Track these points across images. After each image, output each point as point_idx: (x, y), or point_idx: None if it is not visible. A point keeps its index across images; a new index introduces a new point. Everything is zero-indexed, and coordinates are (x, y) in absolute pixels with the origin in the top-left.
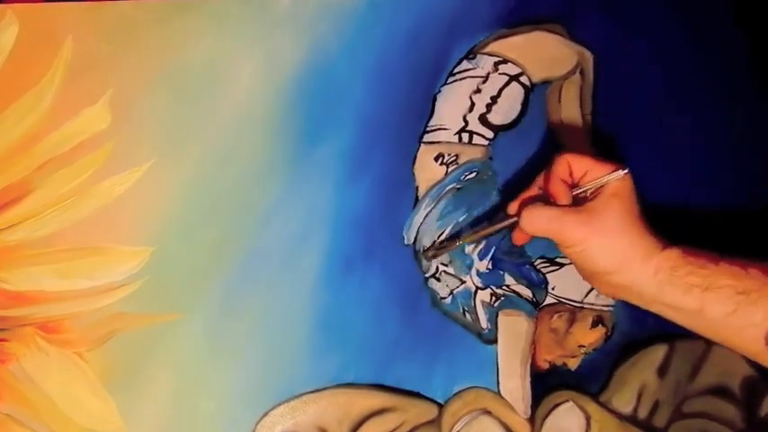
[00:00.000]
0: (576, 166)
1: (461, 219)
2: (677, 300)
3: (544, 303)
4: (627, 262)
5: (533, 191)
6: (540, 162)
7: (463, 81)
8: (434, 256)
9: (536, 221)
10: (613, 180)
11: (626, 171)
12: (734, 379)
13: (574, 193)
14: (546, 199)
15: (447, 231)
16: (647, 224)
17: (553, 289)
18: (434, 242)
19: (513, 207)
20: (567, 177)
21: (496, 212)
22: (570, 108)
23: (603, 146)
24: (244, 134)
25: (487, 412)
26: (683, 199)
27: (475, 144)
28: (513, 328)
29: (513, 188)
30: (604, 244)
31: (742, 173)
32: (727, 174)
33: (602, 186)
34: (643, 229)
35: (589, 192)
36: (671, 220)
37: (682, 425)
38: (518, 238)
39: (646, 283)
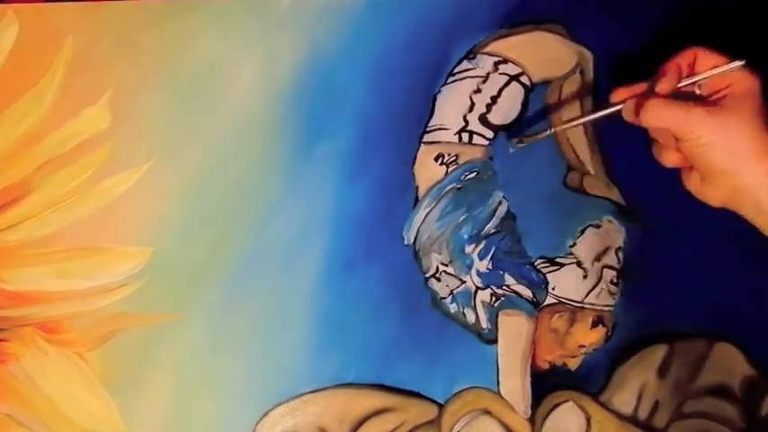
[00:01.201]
0: (703, 59)
1: (461, 219)
2: None
3: (544, 303)
4: (749, 161)
5: (639, 87)
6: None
7: (463, 81)
8: (521, 142)
9: (661, 112)
10: (730, 71)
11: (743, 62)
12: (734, 379)
13: (689, 82)
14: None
15: (449, 230)
16: None
17: (553, 289)
18: (522, 131)
19: (620, 93)
20: (685, 68)
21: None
22: (570, 108)
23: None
24: (244, 134)
25: (487, 412)
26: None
27: (475, 144)
28: (513, 328)
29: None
30: (729, 140)
31: None
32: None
33: (726, 85)
34: (766, 130)
35: (703, 84)
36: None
37: (682, 425)
38: (632, 117)
39: (765, 184)
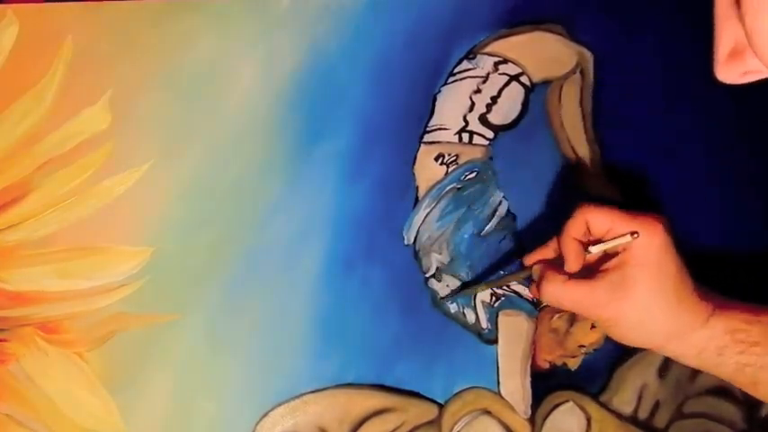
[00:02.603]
0: (596, 224)
1: (461, 219)
2: (727, 376)
3: (544, 303)
4: (662, 342)
5: (550, 249)
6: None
7: (463, 81)
8: (448, 299)
9: (558, 298)
10: (626, 244)
11: (636, 236)
12: None
13: (589, 256)
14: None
15: (450, 230)
16: (689, 285)
17: None
18: (451, 291)
19: (530, 259)
20: (581, 234)
21: (510, 258)
22: (570, 108)
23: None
24: (244, 134)
25: (487, 412)
26: (683, 200)
27: (475, 144)
28: (514, 328)
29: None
30: (636, 323)
31: (743, 172)
32: (727, 173)
33: (624, 250)
34: (681, 302)
35: (600, 250)
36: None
37: (682, 425)
38: (535, 294)
39: (690, 360)
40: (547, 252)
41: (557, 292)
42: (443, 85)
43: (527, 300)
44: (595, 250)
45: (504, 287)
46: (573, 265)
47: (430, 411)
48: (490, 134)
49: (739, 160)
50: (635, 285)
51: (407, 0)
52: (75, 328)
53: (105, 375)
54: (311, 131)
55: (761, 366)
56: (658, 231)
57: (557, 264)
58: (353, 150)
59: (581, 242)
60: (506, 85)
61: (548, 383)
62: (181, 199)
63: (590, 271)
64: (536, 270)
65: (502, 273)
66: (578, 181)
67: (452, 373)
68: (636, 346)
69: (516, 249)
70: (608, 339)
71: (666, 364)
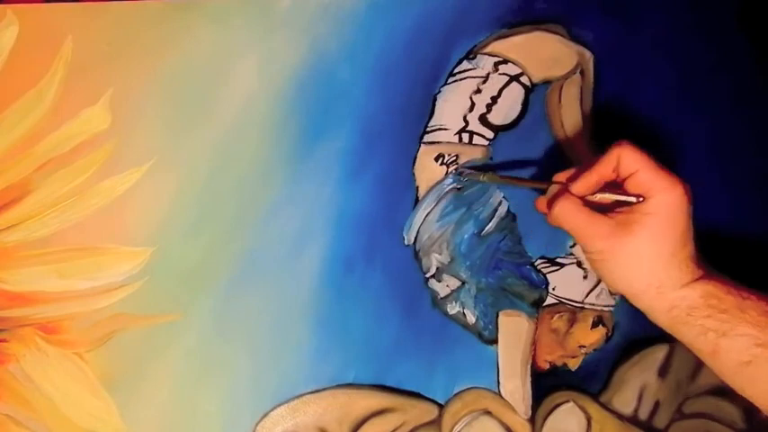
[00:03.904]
0: (626, 161)
1: (461, 219)
2: (689, 339)
3: (545, 304)
4: (642, 289)
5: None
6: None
7: (463, 81)
8: (460, 173)
9: (565, 216)
10: (627, 202)
11: (640, 200)
12: None
13: (592, 199)
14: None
15: (450, 230)
16: (689, 248)
17: (554, 289)
18: (465, 165)
19: (561, 176)
20: (609, 171)
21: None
22: (570, 108)
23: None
24: (244, 134)
25: (488, 413)
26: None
27: (475, 144)
28: (514, 329)
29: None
30: (624, 264)
31: (743, 172)
32: (727, 173)
33: (649, 189)
34: (674, 257)
35: (601, 200)
36: None
37: (682, 425)
38: (540, 208)
39: (659, 315)
40: (572, 174)
41: (566, 210)
42: (443, 86)
43: (527, 300)
44: (599, 197)
45: (505, 287)
46: (581, 185)
47: (430, 411)
48: (490, 134)
49: (740, 160)
50: (638, 230)
51: (407, 0)
52: (76, 328)
53: (105, 375)
54: (311, 131)
55: (723, 333)
56: (677, 191)
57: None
58: (353, 150)
59: (603, 179)
60: (506, 85)
61: (548, 384)
62: (181, 199)
63: (602, 211)
64: (553, 187)
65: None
66: None
67: (452, 374)
68: (614, 287)
69: (516, 249)
70: (608, 340)
71: (666, 365)
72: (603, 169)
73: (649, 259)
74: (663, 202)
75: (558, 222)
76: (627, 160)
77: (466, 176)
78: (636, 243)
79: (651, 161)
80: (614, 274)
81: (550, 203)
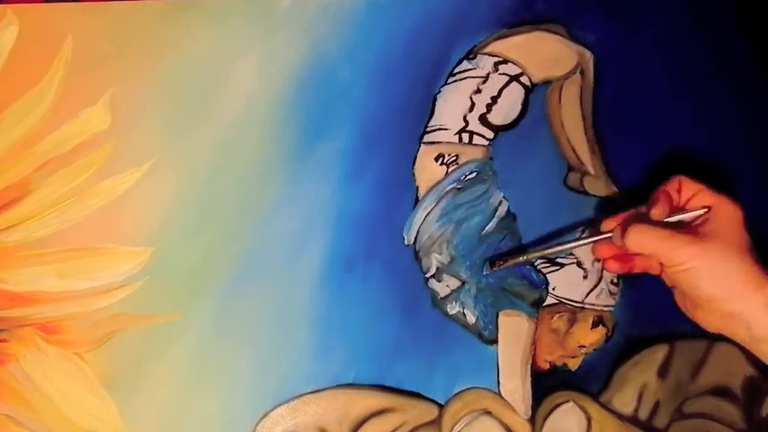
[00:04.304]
0: (687, 186)
1: (461, 219)
2: None
3: (545, 304)
4: (737, 288)
5: (631, 211)
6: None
7: (463, 81)
8: (495, 267)
9: (644, 238)
10: (694, 216)
11: (706, 210)
12: (735, 379)
13: (668, 219)
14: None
15: (450, 230)
16: (756, 258)
17: (554, 289)
18: (497, 255)
19: (608, 224)
20: (674, 195)
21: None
22: (570, 108)
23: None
24: (244, 134)
25: (488, 413)
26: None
27: (475, 144)
28: (514, 329)
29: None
30: (714, 267)
31: (743, 173)
32: (727, 172)
33: (707, 216)
34: (753, 260)
35: (677, 219)
36: None
37: (682, 425)
38: (603, 253)
39: (757, 312)
40: (623, 217)
41: (642, 233)
42: (443, 86)
43: (527, 300)
44: (673, 219)
45: (505, 287)
46: (660, 209)
47: (430, 411)
48: (490, 134)
49: (739, 160)
50: (718, 235)
51: (407, 0)
52: (75, 328)
53: (105, 375)
54: (311, 131)
55: None
56: (734, 203)
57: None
58: (353, 150)
59: (670, 200)
60: (506, 85)
61: (548, 384)
62: (181, 199)
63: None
64: (618, 229)
65: (570, 239)
66: (578, 180)
67: (453, 374)
68: (707, 292)
69: (516, 249)
70: (608, 340)
71: (666, 365)
72: (671, 193)
73: (737, 260)
74: (729, 211)
75: (637, 247)
76: (687, 184)
77: (502, 267)
78: (721, 247)
79: (706, 185)
80: (706, 280)
81: (624, 233)
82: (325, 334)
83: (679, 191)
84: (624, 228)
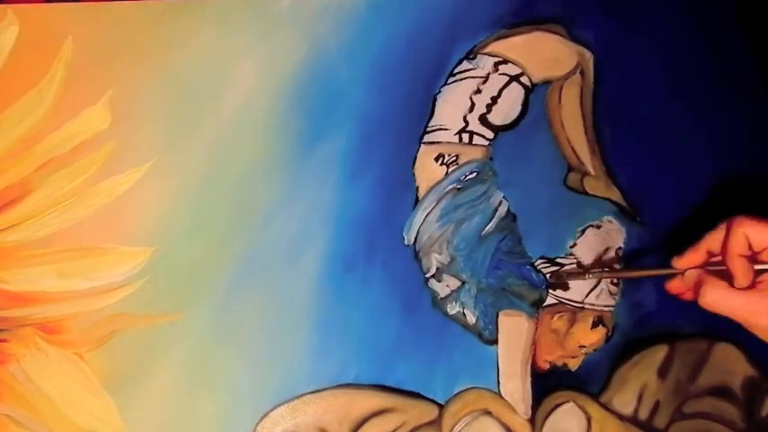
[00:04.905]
0: (756, 239)
1: (461, 219)
2: None
3: (545, 304)
4: None
5: (702, 250)
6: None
7: (463, 81)
8: (556, 285)
9: (719, 304)
10: None
11: None
12: (735, 379)
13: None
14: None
15: (450, 230)
16: None
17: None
18: (559, 271)
19: (680, 263)
20: (745, 250)
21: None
22: (570, 108)
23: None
24: (244, 134)
25: (488, 413)
26: (682, 199)
27: (475, 144)
28: (514, 329)
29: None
30: None
31: (742, 174)
32: (727, 172)
33: None
34: None
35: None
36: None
37: (682, 425)
38: (676, 290)
39: None
40: (698, 255)
41: (719, 298)
42: (443, 86)
43: (527, 300)
44: (760, 268)
45: (505, 287)
46: (743, 280)
47: (430, 412)
48: (490, 134)
49: (739, 159)
50: None
51: (407, 0)
52: (76, 328)
53: (105, 375)
54: (311, 131)
55: None
56: None
57: (712, 271)
58: (353, 150)
59: (745, 257)
60: (506, 85)
61: (548, 384)
62: (181, 199)
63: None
64: (691, 274)
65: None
66: (578, 180)
67: (453, 374)
68: None
69: (516, 249)
70: (608, 340)
71: (666, 365)
72: (741, 251)
73: None
74: None
75: (714, 307)
76: (756, 236)
77: (557, 282)
78: None
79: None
80: None
81: (696, 293)
82: (325, 334)
83: (749, 244)
84: (698, 284)
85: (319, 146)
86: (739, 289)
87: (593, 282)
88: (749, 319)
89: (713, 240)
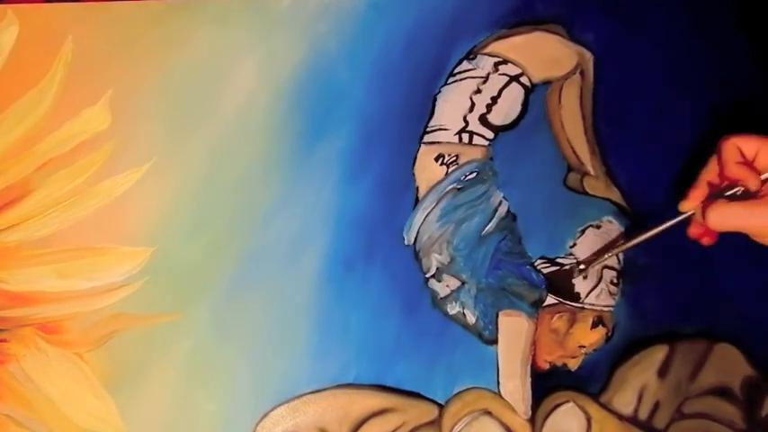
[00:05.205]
0: (746, 147)
1: (461, 219)
2: None
3: (545, 304)
4: None
5: (702, 185)
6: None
7: (463, 81)
8: (587, 267)
9: (727, 218)
10: None
11: None
12: (734, 379)
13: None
14: (724, 189)
15: (450, 230)
16: None
17: None
18: (586, 258)
19: (686, 205)
20: (739, 158)
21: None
22: (570, 108)
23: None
24: (244, 134)
25: (488, 413)
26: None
27: (475, 144)
28: (514, 329)
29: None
30: None
31: None
32: None
33: None
34: None
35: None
36: None
37: (682, 425)
38: (696, 233)
39: None
40: (700, 191)
41: (722, 212)
42: (443, 86)
43: (527, 300)
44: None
45: (505, 287)
46: (753, 183)
47: (430, 412)
48: (490, 134)
49: None
50: None
51: (407, 0)
52: (76, 328)
53: (105, 375)
54: (311, 131)
55: None
56: None
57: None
58: (353, 150)
59: (745, 164)
60: (506, 85)
61: (548, 384)
62: (181, 199)
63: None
64: (697, 210)
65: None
66: (578, 181)
67: (453, 374)
68: None
69: (516, 249)
70: (608, 340)
71: (666, 365)
72: (737, 159)
73: None
74: None
75: (720, 227)
76: (746, 145)
77: (594, 263)
78: None
79: (760, 137)
80: None
81: (703, 214)
82: (326, 334)
83: (742, 153)
84: (704, 208)
85: (319, 146)
86: (738, 204)
87: (593, 282)
88: (757, 222)
89: (709, 172)
